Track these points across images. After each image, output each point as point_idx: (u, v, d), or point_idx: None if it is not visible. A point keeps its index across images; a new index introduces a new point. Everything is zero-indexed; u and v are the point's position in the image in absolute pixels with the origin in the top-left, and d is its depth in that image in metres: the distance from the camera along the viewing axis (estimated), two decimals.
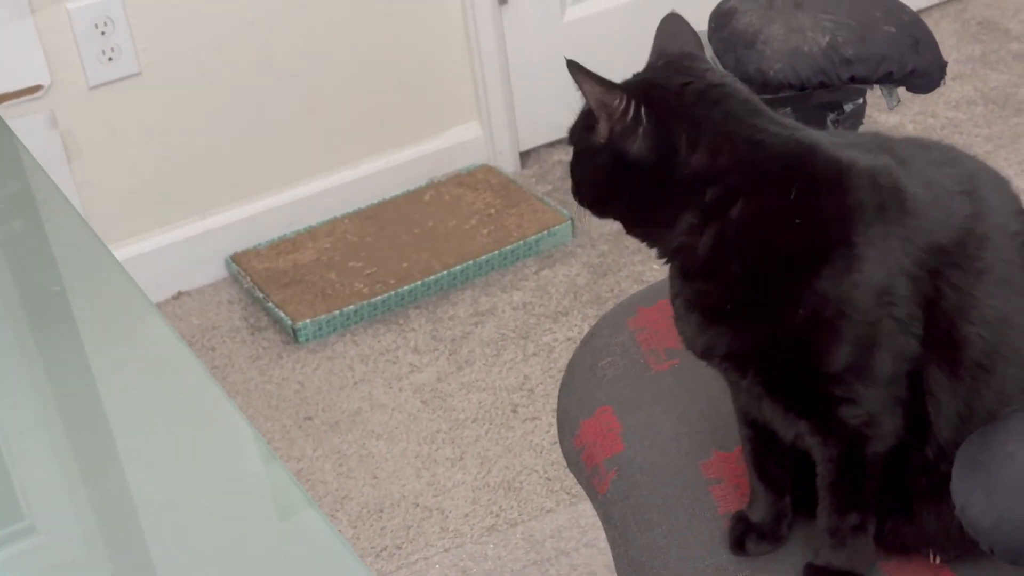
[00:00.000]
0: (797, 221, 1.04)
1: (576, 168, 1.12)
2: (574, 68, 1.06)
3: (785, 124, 1.07)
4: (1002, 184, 1.12)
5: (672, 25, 1.14)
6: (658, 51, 1.12)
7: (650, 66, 1.11)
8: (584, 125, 1.10)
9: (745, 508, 1.22)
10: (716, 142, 1.05)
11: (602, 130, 1.07)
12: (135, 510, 1.16)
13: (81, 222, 1.46)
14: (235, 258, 2.56)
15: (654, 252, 1.12)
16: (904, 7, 1.42)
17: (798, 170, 1.05)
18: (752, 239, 1.05)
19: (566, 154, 2.77)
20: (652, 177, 1.06)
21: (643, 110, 1.05)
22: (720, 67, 1.37)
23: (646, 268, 2.46)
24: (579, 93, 1.07)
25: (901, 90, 1.44)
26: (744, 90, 1.08)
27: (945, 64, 1.40)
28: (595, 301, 2.41)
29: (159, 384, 1.26)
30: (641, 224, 1.10)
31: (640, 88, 1.07)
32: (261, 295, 2.47)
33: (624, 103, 1.05)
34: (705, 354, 1.12)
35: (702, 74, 1.08)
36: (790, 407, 1.12)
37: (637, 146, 1.05)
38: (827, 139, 1.09)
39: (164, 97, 2.45)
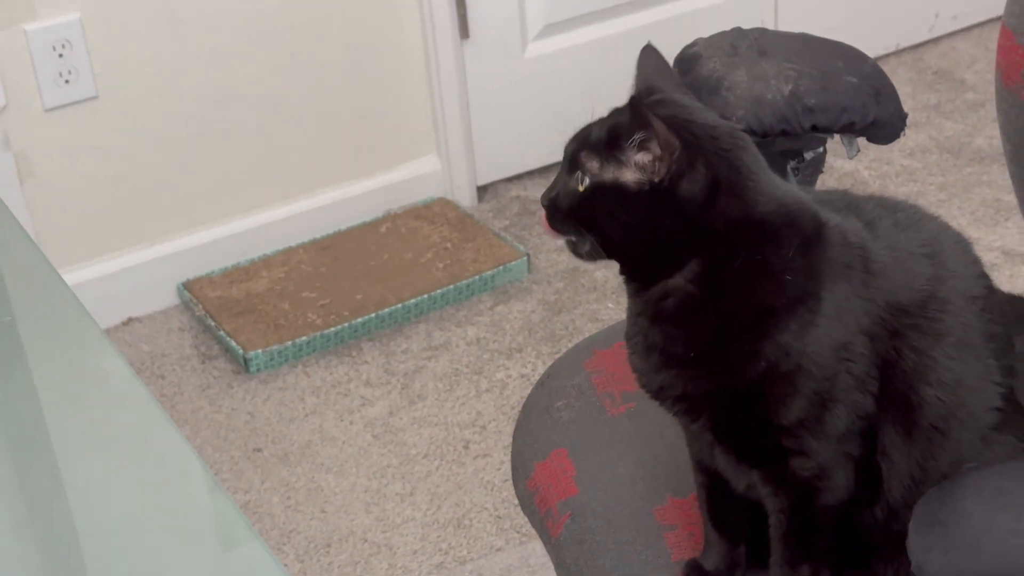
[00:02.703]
0: (788, 277, 1.04)
1: (602, 217, 1.06)
2: (638, 107, 1.02)
3: (775, 177, 1.08)
4: (964, 247, 1.13)
5: (654, 60, 1.13)
6: (648, 85, 1.11)
7: (659, 101, 1.08)
8: (609, 179, 1.05)
9: (699, 556, 1.21)
10: (746, 191, 1.04)
11: (657, 170, 1.03)
12: (79, 541, 1.14)
13: (32, 245, 1.43)
14: (187, 285, 2.54)
15: (629, 289, 1.09)
16: (866, 58, 1.43)
17: (794, 226, 1.05)
18: (742, 291, 1.04)
19: (523, 189, 2.79)
20: (685, 221, 1.03)
21: (699, 151, 1.03)
22: None
23: (601, 307, 2.46)
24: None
25: (861, 139, 1.45)
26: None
27: (906, 115, 1.41)
28: (550, 338, 2.40)
29: (107, 414, 1.24)
30: (645, 267, 1.07)
31: (688, 129, 1.04)
32: (213, 323, 2.45)
33: (681, 143, 1.02)
34: (659, 394, 1.12)
35: (718, 119, 1.08)
36: (741, 456, 1.12)
37: (689, 188, 1.03)
38: (806, 195, 1.09)
39: (120, 121, 2.43)
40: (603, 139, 1.06)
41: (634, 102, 1.03)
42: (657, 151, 1.03)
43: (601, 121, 1.09)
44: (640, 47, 1.14)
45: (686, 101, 1.09)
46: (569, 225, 1.08)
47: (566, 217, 1.08)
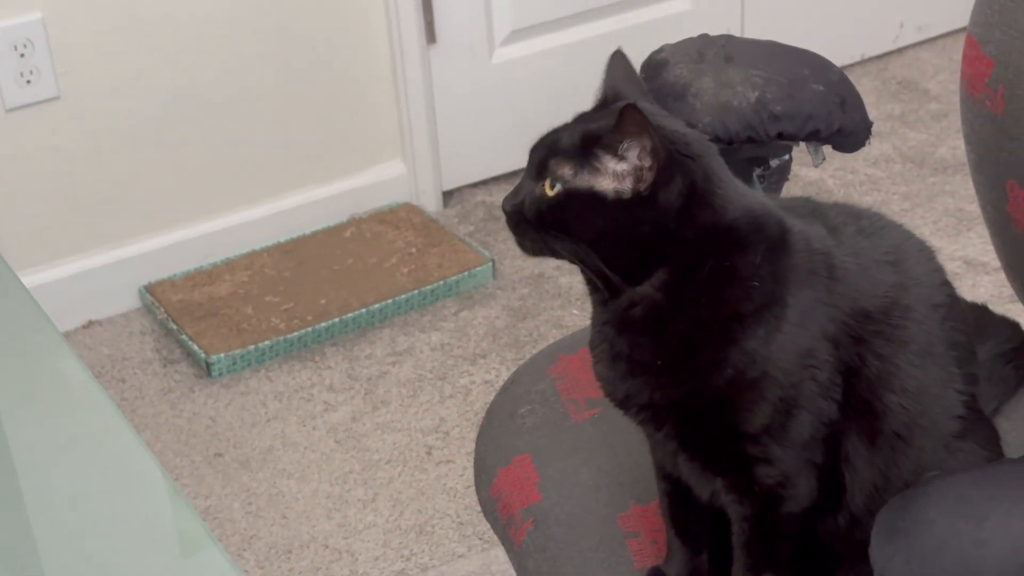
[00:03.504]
0: (755, 284, 1.04)
1: (573, 224, 1.03)
2: (633, 113, 0.99)
3: (740, 183, 1.07)
4: (927, 255, 1.13)
5: (623, 66, 1.11)
6: (615, 91, 1.09)
7: (650, 113, 1.05)
8: (583, 186, 1.03)
9: (662, 563, 1.21)
10: (717, 198, 1.03)
11: (643, 178, 1.01)
12: (36, 547, 1.13)
13: None
14: (149, 288, 2.52)
15: (595, 298, 1.08)
16: (832, 66, 1.44)
17: (761, 232, 1.05)
18: (711, 298, 1.04)
19: (489, 195, 2.79)
20: (659, 229, 1.01)
21: (677, 159, 1.02)
22: None
23: (565, 313, 2.45)
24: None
25: (826, 147, 1.45)
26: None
27: (871, 124, 1.42)
28: (514, 344, 2.39)
29: (65, 418, 1.23)
30: (615, 274, 1.04)
31: (663, 136, 1.02)
32: (175, 327, 2.43)
33: (664, 151, 1.01)
34: (624, 403, 1.11)
35: (684, 127, 1.06)
36: (705, 464, 1.11)
37: (666, 196, 1.01)
38: (770, 201, 1.09)
39: (83, 122, 2.41)
40: (576, 145, 1.04)
41: (630, 109, 0.99)
42: (646, 160, 1.01)
43: (570, 126, 1.07)
44: (607, 53, 1.13)
45: (654, 109, 1.08)
46: (535, 231, 1.06)
47: (532, 224, 1.06)
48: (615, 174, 1.02)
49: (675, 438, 1.11)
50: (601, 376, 1.12)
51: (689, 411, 1.08)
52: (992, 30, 1.27)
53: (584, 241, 1.04)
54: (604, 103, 1.09)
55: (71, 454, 1.17)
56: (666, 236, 1.02)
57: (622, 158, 1.01)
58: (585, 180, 1.03)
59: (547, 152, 1.05)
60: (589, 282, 1.08)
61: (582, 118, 1.08)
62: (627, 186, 1.02)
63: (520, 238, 1.08)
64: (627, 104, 1.00)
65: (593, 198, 1.03)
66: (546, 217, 1.05)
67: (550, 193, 1.04)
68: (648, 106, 1.08)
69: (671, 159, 1.01)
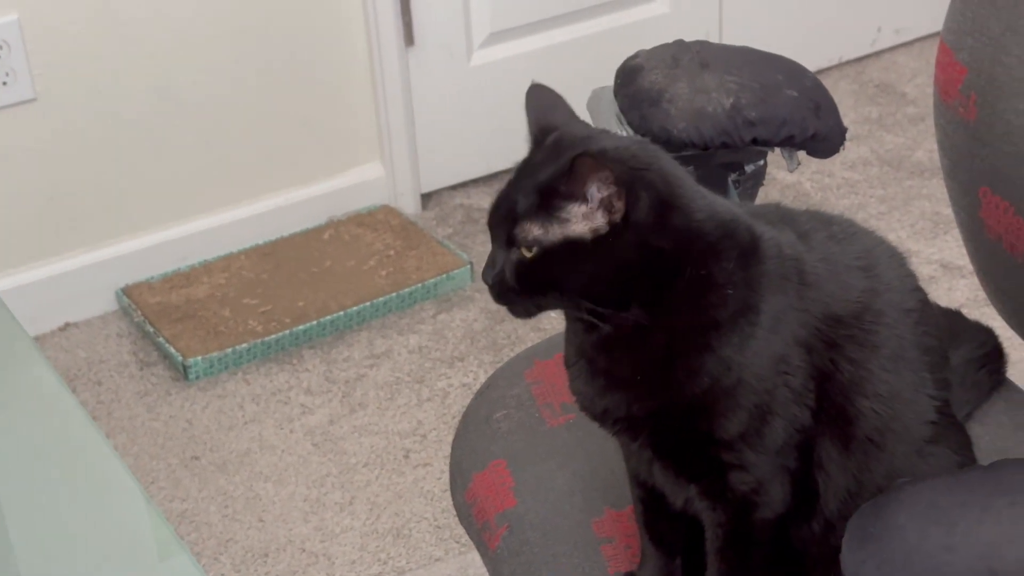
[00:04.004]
0: (730, 291, 1.04)
1: (560, 279, 1.02)
2: (584, 160, 0.98)
3: (700, 186, 1.07)
4: (899, 260, 1.14)
5: (542, 97, 1.10)
6: (544, 124, 1.07)
7: (583, 137, 1.05)
8: (557, 239, 1.01)
9: (636, 569, 1.21)
10: (681, 199, 1.03)
11: (615, 209, 1.00)
12: (2, 553, 1.12)
13: None
14: (126, 291, 2.51)
15: (573, 322, 1.07)
16: (806, 72, 1.44)
17: (732, 238, 1.05)
18: (689, 308, 1.03)
19: (467, 197, 2.79)
20: (640, 248, 1.01)
21: (634, 174, 1.01)
22: (625, 124, 1.37)
23: (544, 316, 2.45)
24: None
25: (801, 152, 1.45)
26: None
27: (845, 130, 1.42)
28: (492, 347, 2.39)
29: (34, 424, 1.22)
30: (608, 305, 1.03)
31: (615, 157, 1.02)
32: (151, 329, 2.42)
33: (624, 174, 1.00)
34: (601, 416, 1.11)
35: (621, 138, 1.06)
36: (680, 471, 1.11)
37: (638, 214, 1.00)
38: (736, 207, 1.09)
39: (59, 123, 2.40)
40: (535, 203, 1.02)
41: (581, 159, 0.98)
42: (611, 189, 0.99)
43: (518, 184, 1.04)
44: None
45: (588, 131, 1.07)
46: (522, 297, 1.04)
47: (517, 290, 1.04)
48: (584, 215, 1.01)
49: (650, 447, 1.11)
50: (577, 391, 1.12)
51: (665, 421, 1.08)
52: (965, 37, 1.28)
53: (574, 291, 1.02)
54: (538, 140, 1.07)
55: (39, 460, 1.17)
56: (648, 253, 1.02)
57: (585, 199, 1.00)
58: (557, 233, 1.01)
59: (509, 220, 1.03)
60: (576, 320, 1.07)
61: (526, 169, 1.05)
62: (600, 222, 1.01)
63: (510, 307, 1.06)
64: (576, 155, 0.98)
65: (572, 246, 1.01)
66: (530, 280, 1.03)
67: (528, 255, 1.02)
68: (581, 129, 1.07)
69: (631, 178, 1.01)
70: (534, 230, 1.02)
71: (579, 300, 1.03)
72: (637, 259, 1.02)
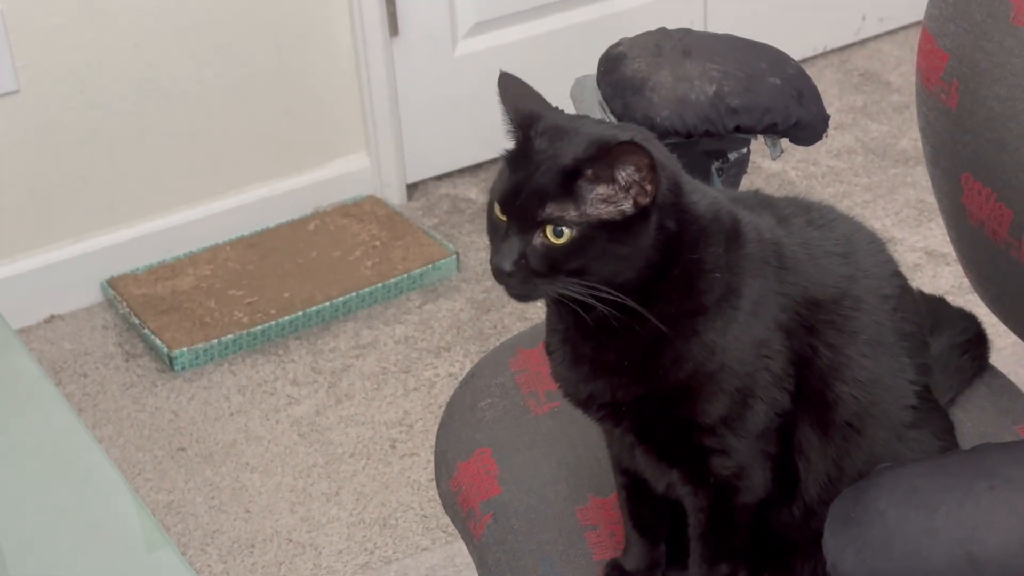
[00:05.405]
0: (717, 275, 1.04)
1: (592, 262, 1.01)
2: (628, 146, 0.99)
3: (691, 177, 1.08)
4: (878, 246, 1.14)
5: (516, 85, 1.10)
6: (528, 111, 1.07)
7: (595, 122, 1.05)
8: (593, 220, 1.01)
9: (620, 556, 1.22)
10: (686, 183, 1.04)
11: (646, 190, 1.00)
12: None
13: None
14: (111, 282, 2.50)
15: (553, 308, 1.07)
16: (789, 60, 1.44)
17: (718, 222, 1.05)
18: (679, 292, 1.04)
19: (453, 187, 2.79)
20: (661, 230, 1.02)
21: (660, 164, 1.01)
22: (608, 112, 1.37)
23: (529, 305, 2.45)
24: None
25: (785, 140, 1.45)
26: None
27: (828, 117, 1.42)
28: (478, 337, 2.40)
29: (16, 416, 1.22)
30: (632, 291, 1.02)
31: (652, 148, 1.02)
32: (137, 321, 2.42)
33: (649, 160, 1.00)
34: (585, 402, 1.11)
35: (617, 123, 1.06)
36: (662, 456, 1.12)
37: (662, 196, 1.01)
38: (719, 194, 1.09)
39: (43, 115, 2.39)
40: (561, 184, 1.01)
41: (634, 142, 0.99)
42: (643, 172, 0.99)
43: (529, 173, 1.02)
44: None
45: (575, 118, 1.07)
46: (545, 280, 1.02)
47: (544, 274, 1.02)
48: (610, 198, 1.00)
49: (633, 432, 1.11)
50: (561, 377, 1.12)
51: (649, 406, 1.08)
52: (946, 24, 1.28)
53: (600, 274, 1.01)
54: (523, 128, 1.05)
55: (22, 452, 1.17)
56: (660, 236, 1.02)
57: (614, 181, 1.00)
58: (591, 215, 1.01)
59: (534, 205, 1.02)
60: (561, 306, 1.04)
61: (533, 156, 1.03)
62: (627, 204, 1.00)
63: (525, 292, 1.03)
64: (625, 142, 0.99)
65: (604, 227, 1.01)
66: (559, 264, 1.01)
67: (558, 241, 1.01)
68: (563, 116, 1.06)
69: (657, 162, 1.01)
70: (570, 211, 1.01)
71: (600, 284, 1.01)
72: (652, 242, 1.02)
